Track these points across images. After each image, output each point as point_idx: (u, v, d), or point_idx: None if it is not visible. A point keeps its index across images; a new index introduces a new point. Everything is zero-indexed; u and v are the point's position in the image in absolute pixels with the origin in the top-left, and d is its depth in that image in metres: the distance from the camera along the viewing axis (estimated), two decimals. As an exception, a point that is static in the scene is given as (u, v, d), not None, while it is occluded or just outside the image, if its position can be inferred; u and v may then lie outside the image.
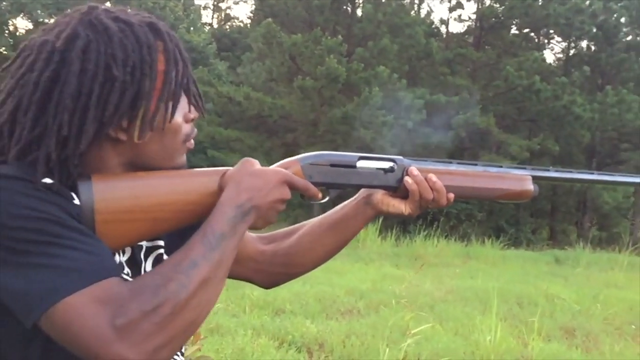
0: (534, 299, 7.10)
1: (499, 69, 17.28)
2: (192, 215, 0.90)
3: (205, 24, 31.45)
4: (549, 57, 21.35)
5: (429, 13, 19.98)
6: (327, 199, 1.05)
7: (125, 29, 0.83)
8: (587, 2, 18.04)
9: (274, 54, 15.53)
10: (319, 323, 4.84)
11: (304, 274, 1.16)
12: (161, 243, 0.98)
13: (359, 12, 17.60)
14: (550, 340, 5.18)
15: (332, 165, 1.05)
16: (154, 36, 0.85)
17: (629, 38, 19.29)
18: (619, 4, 18.59)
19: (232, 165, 0.94)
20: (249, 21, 28.95)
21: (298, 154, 1.09)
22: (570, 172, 1.24)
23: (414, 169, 1.07)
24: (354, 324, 4.97)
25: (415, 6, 18.88)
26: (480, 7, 19.05)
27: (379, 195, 1.10)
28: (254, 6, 25.15)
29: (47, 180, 0.78)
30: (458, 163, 1.13)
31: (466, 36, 20.58)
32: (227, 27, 33.53)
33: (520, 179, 1.15)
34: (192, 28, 27.40)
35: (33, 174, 0.78)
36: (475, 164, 1.16)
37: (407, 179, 1.06)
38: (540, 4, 17.57)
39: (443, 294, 6.70)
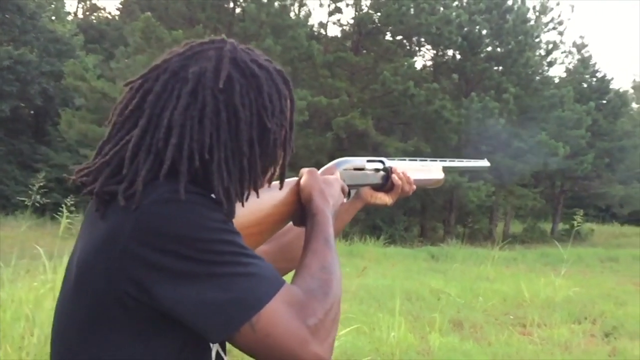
0: (421, 294, 7.47)
1: (376, 74, 17.98)
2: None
3: (69, 13, 29.49)
4: (420, 63, 22.54)
5: (307, 15, 20.17)
6: (346, 199, 1.15)
7: (268, 78, 0.86)
8: (454, 14, 19.33)
9: (152, 50, 14.91)
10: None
11: None
12: None
13: (237, 10, 17.45)
14: (443, 333, 5.46)
15: (355, 169, 1.20)
16: (285, 86, 0.89)
17: (490, 49, 20.91)
18: (481, 17, 20.09)
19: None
20: (117, 13, 27.56)
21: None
22: (461, 161, 1.58)
23: (397, 168, 1.28)
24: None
25: (296, 9, 19.05)
26: (358, 13, 19.67)
27: (367, 190, 1.26)
28: (124, -3, 23.94)
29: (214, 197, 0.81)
30: (410, 159, 1.38)
31: (345, 40, 21.15)
32: (94, 18, 31.72)
33: (438, 169, 1.44)
34: (54, 17, 25.54)
35: (203, 191, 0.79)
36: (415, 160, 1.40)
37: (394, 176, 1.27)
38: (412, 13, 18.53)
39: (339, 293, 6.81)
